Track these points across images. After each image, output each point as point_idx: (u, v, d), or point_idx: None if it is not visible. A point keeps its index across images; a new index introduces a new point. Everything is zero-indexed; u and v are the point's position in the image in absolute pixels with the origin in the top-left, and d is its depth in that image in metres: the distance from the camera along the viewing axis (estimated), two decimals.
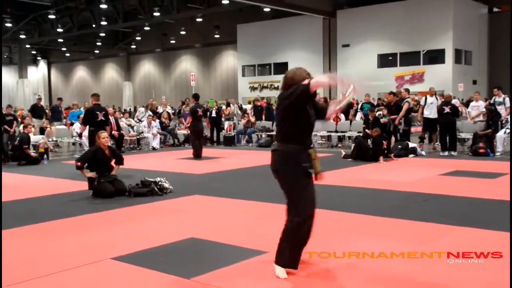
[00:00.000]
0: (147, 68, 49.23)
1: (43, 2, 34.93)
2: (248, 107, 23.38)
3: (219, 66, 43.86)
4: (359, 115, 17.85)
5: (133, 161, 11.76)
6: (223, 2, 30.45)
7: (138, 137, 16.24)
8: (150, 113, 18.38)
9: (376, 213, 6.13)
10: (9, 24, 39.65)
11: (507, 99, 14.08)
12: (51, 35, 42.16)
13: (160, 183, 7.85)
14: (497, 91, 14.29)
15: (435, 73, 29.66)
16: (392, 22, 30.49)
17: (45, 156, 12.93)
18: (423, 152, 12.79)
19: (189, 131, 13.45)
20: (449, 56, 29.59)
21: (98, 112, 10.65)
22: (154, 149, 15.63)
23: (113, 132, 14.21)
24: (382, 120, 13.17)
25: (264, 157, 12.93)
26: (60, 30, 40.04)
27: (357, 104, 20.46)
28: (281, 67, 35.97)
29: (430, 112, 13.63)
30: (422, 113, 14.10)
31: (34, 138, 13.67)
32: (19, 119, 16.79)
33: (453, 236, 5.06)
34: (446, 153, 12.61)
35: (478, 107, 14.67)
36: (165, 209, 6.79)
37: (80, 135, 10.71)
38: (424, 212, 6.20)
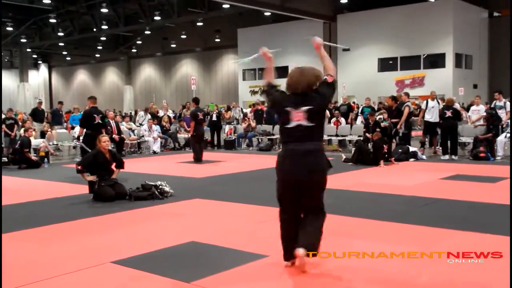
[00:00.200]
0: (147, 72, 49.30)
1: (44, 6, 35.01)
2: (248, 110, 23.41)
3: (219, 70, 43.91)
4: (360, 119, 17.87)
5: (133, 164, 11.77)
6: (223, 6, 30.52)
7: (138, 141, 16.24)
8: (149, 116, 18.39)
9: (376, 217, 6.12)
10: (10, 28, 39.75)
11: (508, 103, 14.09)
12: (52, 39, 42.28)
13: (160, 186, 7.84)
14: (498, 95, 14.30)
15: (435, 77, 29.69)
16: (392, 26, 30.55)
17: (45, 159, 12.93)
18: (424, 156, 12.78)
19: (191, 135, 13.47)
20: (450, 60, 29.63)
21: (95, 115, 10.73)
22: (154, 152, 15.63)
23: (113, 135, 14.25)
24: (382, 124, 13.18)
25: (264, 161, 12.96)
26: (61, 34, 40.15)
27: (358, 108, 20.49)
28: (281, 71, 35.93)
29: (432, 116, 13.63)
30: (423, 117, 14.09)
31: (35, 141, 13.67)
32: (20, 123, 16.81)
33: (454, 240, 5.05)
34: (447, 157, 12.60)
35: (478, 111, 14.68)
36: (166, 212, 6.79)
37: (78, 138, 10.77)
38: (425, 216, 6.19)
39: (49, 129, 15.72)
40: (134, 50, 48.78)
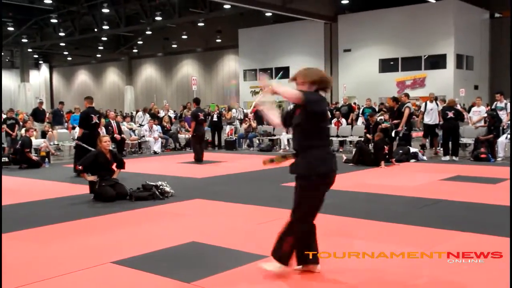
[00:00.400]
0: (148, 72, 49.33)
1: (45, 6, 35.04)
2: (248, 110, 23.41)
3: (220, 70, 43.92)
4: (361, 119, 17.86)
5: (134, 165, 11.77)
6: (224, 6, 30.53)
7: (139, 141, 16.25)
8: (148, 116, 18.40)
9: (376, 218, 6.12)
10: (11, 28, 39.79)
11: (509, 104, 14.08)
12: (53, 39, 42.32)
13: (161, 187, 7.85)
14: (499, 97, 14.30)
15: (436, 78, 29.68)
16: (393, 27, 30.54)
17: (46, 159, 12.95)
18: (425, 157, 12.77)
19: (192, 136, 13.48)
20: (451, 61, 29.62)
21: (92, 115, 10.82)
22: (155, 153, 15.64)
23: (115, 135, 14.27)
24: (383, 125, 13.18)
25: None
26: (62, 34, 40.18)
27: (359, 108, 20.49)
28: (282, 72, 36.03)
29: (431, 118, 13.60)
30: (423, 119, 14.08)
31: (36, 141, 13.68)
32: (21, 123, 16.83)
33: (454, 241, 5.05)
34: (448, 157, 12.59)
35: (479, 112, 14.67)
36: (166, 213, 6.79)
37: (78, 138, 10.88)
38: (425, 217, 6.19)
39: (50, 129, 15.74)
40: (135, 50, 48.80)
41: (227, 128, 18.81)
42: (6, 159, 12.41)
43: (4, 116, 15.12)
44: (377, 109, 20.15)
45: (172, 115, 21.74)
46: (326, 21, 33.40)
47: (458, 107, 18.84)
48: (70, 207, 7.37)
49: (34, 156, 12.66)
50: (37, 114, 18.12)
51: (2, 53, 37.12)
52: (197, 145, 13.20)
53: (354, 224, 5.92)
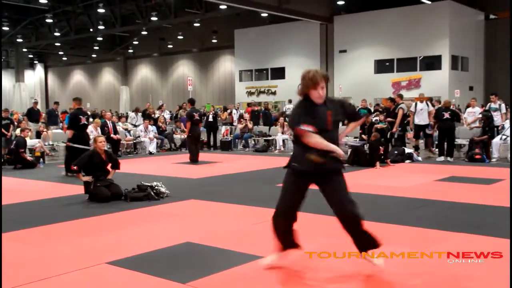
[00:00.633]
0: (144, 72, 49.24)
1: (40, 6, 34.93)
2: (243, 111, 23.42)
3: (216, 70, 43.90)
4: None
5: (129, 165, 11.75)
6: (220, 7, 30.51)
7: (134, 141, 16.23)
8: (140, 116, 18.39)
9: (372, 218, 6.10)
10: (6, 27, 39.64)
11: (503, 105, 14.17)
12: (48, 39, 42.18)
13: (156, 187, 7.84)
14: (494, 98, 14.38)
15: (431, 79, 29.76)
16: (389, 28, 30.60)
17: (41, 160, 12.91)
18: (419, 158, 12.82)
19: (187, 136, 13.48)
20: (446, 62, 29.70)
21: (81, 116, 10.91)
22: (150, 153, 15.62)
23: (111, 135, 14.26)
24: (379, 126, 13.21)
25: (260, 162, 12.97)
26: (57, 34, 40.05)
27: None
28: (278, 72, 36.06)
29: (420, 119, 13.54)
30: (414, 119, 13.95)
31: (31, 142, 13.64)
32: (16, 123, 16.76)
33: (450, 242, 5.06)
34: (443, 158, 12.63)
35: (474, 113, 14.74)
36: (161, 213, 6.78)
37: (69, 140, 10.97)
38: (421, 218, 6.21)
39: (45, 129, 15.69)
40: (130, 51, 48.70)
41: (223, 129, 18.81)
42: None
43: None
44: (372, 110, 20.19)
45: (168, 116, 21.72)
46: (322, 22, 33.44)
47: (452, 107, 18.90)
48: (65, 207, 7.35)
49: (28, 157, 12.62)
50: (32, 114, 18.08)
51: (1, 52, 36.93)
52: (193, 146, 13.19)
53: None
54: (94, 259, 4.61)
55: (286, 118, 19.55)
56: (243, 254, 4.68)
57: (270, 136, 17.00)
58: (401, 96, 14.21)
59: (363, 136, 13.56)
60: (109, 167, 8.06)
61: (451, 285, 3.87)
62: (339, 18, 33.00)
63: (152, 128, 16.42)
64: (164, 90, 46.96)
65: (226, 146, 16.83)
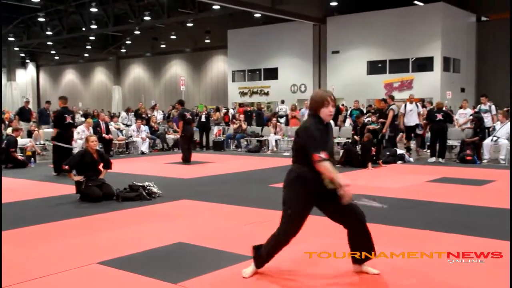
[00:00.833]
0: (136, 72, 49.10)
1: (32, 4, 34.73)
2: (235, 111, 23.43)
3: (209, 71, 43.85)
4: (348, 121, 17.94)
5: (121, 165, 11.72)
6: (213, 7, 30.49)
7: (127, 141, 16.18)
8: (132, 116, 18.34)
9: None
10: None
11: (493, 107, 14.29)
12: (40, 38, 41.97)
13: (148, 187, 7.82)
14: (484, 99, 14.48)
15: (423, 80, 29.89)
16: (381, 29, 30.70)
17: (32, 159, 12.84)
18: (411, 159, 12.87)
19: (180, 136, 13.47)
20: (438, 64, 29.84)
21: (66, 115, 10.98)
22: (143, 153, 15.58)
23: (103, 135, 14.23)
24: (371, 127, 13.25)
25: (252, 163, 12.97)
26: (49, 33, 39.85)
27: (346, 110, 20.58)
28: (271, 73, 36.07)
29: (409, 120, 13.52)
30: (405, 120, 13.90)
31: (22, 141, 13.57)
32: (7, 122, 16.67)
33: (441, 243, 5.09)
34: (434, 159, 12.70)
35: (465, 114, 14.84)
36: (153, 213, 6.77)
37: (53, 138, 11.04)
38: (412, 219, 6.24)
39: (36, 129, 15.61)
40: (123, 50, 48.53)
41: (215, 129, 18.79)
42: None
43: None
44: (365, 111, 20.28)
45: (161, 116, 21.67)
46: (315, 23, 33.49)
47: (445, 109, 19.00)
48: (56, 207, 7.32)
49: (19, 156, 12.55)
50: (23, 113, 17.97)
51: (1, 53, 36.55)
52: (185, 146, 13.18)
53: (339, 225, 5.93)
54: (85, 259, 4.59)
55: (279, 119, 19.61)
56: (235, 254, 4.68)
57: (262, 136, 17.01)
58: (392, 98, 14.24)
59: (355, 137, 13.59)
60: (101, 166, 8.03)
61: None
62: (332, 19, 33.07)
63: (145, 128, 16.38)
64: (156, 90, 46.85)
65: (219, 147, 16.82)
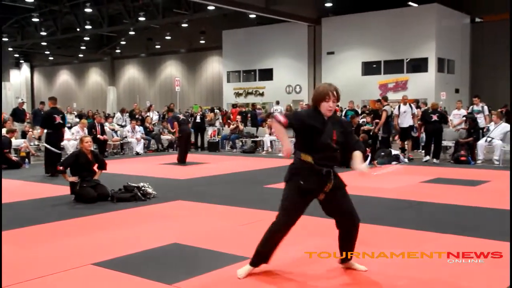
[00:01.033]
0: (131, 72, 49.01)
1: (26, 5, 34.61)
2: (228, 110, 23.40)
3: (204, 71, 43.83)
4: None
5: (116, 166, 11.69)
6: (208, 8, 30.48)
7: (121, 141, 16.14)
8: (126, 117, 18.28)
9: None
10: None
11: (486, 108, 14.37)
12: (35, 38, 41.82)
13: (143, 188, 7.80)
14: (476, 100, 14.56)
15: (418, 81, 29.99)
16: (376, 30, 30.78)
17: (26, 160, 12.79)
18: (406, 160, 12.90)
19: (178, 137, 13.50)
20: (432, 65, 29.94)
21: (55, 116, 10.95)
22: (137, 154, 15.55)
23: (98, 136, 14.19)
24: (366, 127, 13.28)
25: (247, 163, 12.97)
26: (43, 33, 39.73)
27: (341, 111, 20.60)
28: (266, 74, 36.09)
29: (403, 121, 13.51)
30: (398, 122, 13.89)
31: (16, 142, 13.51)
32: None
33: (436, 243, 5.10)
34: (428, 158, 12.75)
35: (460, 115, 14.90)
36: (148, 214, 6.75)
37: (39, 138, 11.04)
38: (407, 219, 6.25)
39: (30, 130, 15.55)
40: (118, 51, 48.43)
41: (210, 130, 18.78)
42: None
43: None
44: (359, 112, 20.31)
45: (156, 117, 21.62)
46: (310, 24, 33.53)
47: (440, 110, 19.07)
48: (50, 208, 7.29)
49: (14, 157, 12.50)
50: (17, 114, 17.89)
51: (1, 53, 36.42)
52: (182, 146, 13.20)
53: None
54: (80, 260, 4.57)
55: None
56: (231, 255, 4.68)
57: (257, 137, 17.01)
58: (385, 98, 14.26)
59: None
60: (95, 167, 8.01)
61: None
62: (326, 20, 33.11)
63: (139, 129, 16.35)
64: (151, 91, 46.78)
65: (214, 147, 16.81)
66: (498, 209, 6.81)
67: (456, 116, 15.08)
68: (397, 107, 13.83)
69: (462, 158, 12.38)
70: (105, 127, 15.57)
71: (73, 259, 4.63)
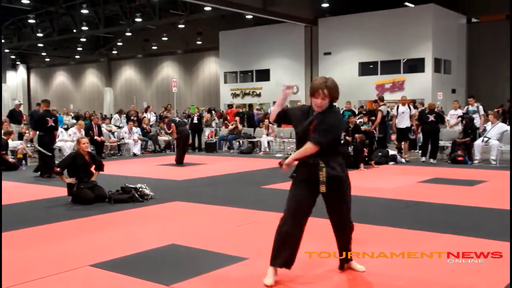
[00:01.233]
0: (128, 73, 48.94)
1: (22, 6, 34.53)
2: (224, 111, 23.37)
3: (201, 72, 43.80)
4: None
5: (113, 167, 11.67)
6: (205, 8, 30.46)
7: (119, 143, 16.12)
8: (124, 118, 18.25)
9: (356, 220, 6.11)
10: None
11: (481, 108, 14.41)
12: (31, 39, 41.70)
13: (140, 189, 7.79)
14: (471, 100, 14.61)
15: (415, 81, 30.02)
16: (373, 31, 30.81)
17: (23, 161, 12.76)
18: (403, 160, 12.92)
19: (176, 138, 13.48)
20: (429, 65, 29.97)
21: (48, 118, 10.96)
22: (135, 155, 15.53)
23: (95, 137, 14.17)
24: (363, 128, 13.29)
25: (245, 164, 12.97)
26: (40, 34, 39.63)
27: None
28: (263, 74, 36.07)
29: (400, 121, 13.49)
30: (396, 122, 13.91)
31: (13, 143, 13.47)
32: None
33: (435, 243, 5.10)
34: (424, 158, 12.79)
35: (457, 115, 14.94)
36: (146, 215, 6.74)
37: (31, 140, 11.07)
38: (405, 219, 6.26)
39: (27, 131, 15.51)
40: (114, 52, 48.33)
41: (207, 131, 18.77)
42: None
43: None
44: (356, 112, 20.32)
45: (154, 118, 21.59)
46: (307, 24, 33.54)
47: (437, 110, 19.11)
48: (48, 209, 7.28)
49: (10, 158, 12.47)
50: (14, 116, 17.86)
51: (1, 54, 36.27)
52: (180, 147, 13.19)
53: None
54: (77, 262, 4.56)
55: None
56: (228, 256, 4.67)
57: (255, 137, 17.01)
58: (382, 99, 14.29)
59: (347, 138, 13.62)
60: (92, 169, 8.00)
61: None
62: (323, 21, 33.13)
63: (137, 130, 16.33)
64: (148, 92, 46.73)
65: (211, 148, 16.80)
66: (496, 208, 6.83)
67: (453, 116, 15.13)
68: (395, 107, 13.86)
69: (459, 158, 12.41)
70: (102, 128, 15.55)
71: (70, 260, 4.63)
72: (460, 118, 14.33)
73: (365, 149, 11.76)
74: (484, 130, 13.23)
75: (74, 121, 20.58)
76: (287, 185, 4.12)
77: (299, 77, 34.41)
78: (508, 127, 13.19)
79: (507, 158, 12.45)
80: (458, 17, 31.98)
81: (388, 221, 6.07)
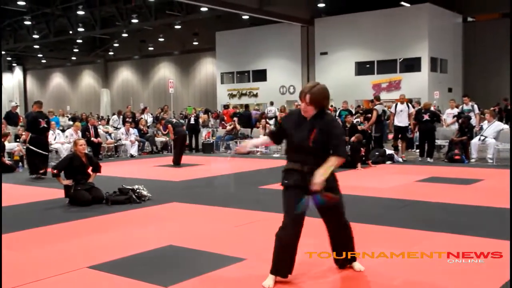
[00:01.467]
0: (125, 75, 48.89)
1: (18, 8, 34.45)
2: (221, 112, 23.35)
3: (197, 73, 43.79)
4: None
5: (110, 168, 11.65)
6: (201, 9, 30.46)
7: (115, 144, 16.09)
8: (120, 118, 18.23)
9: (353, 219, 6.12)
10: None
11: (476, 106, 14.45)
12: (27, 41, 41.63)
13: (138, 190, 7.78)
14: (466, 99, 14.65)
15: (411, 81, 30.08)
16: (369, 30, 30.86)
17: (20, 163, 12.73)
18: (400, 159, 12.93)
19: (173, 138, 13.48)
20: (425, 64, 30.04)
21: (40, 120, 11.01)
22: (132, 156, 15.51)
23: (92, 138, 14.15)
24: (359, 127, 13.31)
25: (242, 164, 12.95)
26: (36, 36, 39.57)
27: (335, 111, 20.67)
28: (259, 74, 36.09)
29: (400, 120, 13.52)
30: (394, 120, 13.93)
31: (9, 145, 13.44)
32: None
33: (432, 242, 5.11)
34: (421, 158, 12.82)
35: (453, 114, 14.97)
36: (143, 216, 6.74)
37: (25, 142, 11.07)
38: (402, 218, 6.26)
39: (24, 133, 15.47)
40: (111, 53, 48.29)
41: (204, 131, 18.75)
42: None
43: None
44: (353, 112, 20.36)
45: (151, 119, 21.58)
46: (303, 24, 33.58)
47: (432, 109, 19.13)
48: (45, 211, 7.26)
49: (7, 160, 12.43)
50: (10, 118, 17.80)
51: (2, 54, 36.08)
52: (177, 148, 13.19)
53: None
54: (75, 264, 4.56)
55: (268, 120, 19.60)
56: (226, 257, 4.67)
57: (252, 138, 16.99)
58: (378, 98, 14.30)
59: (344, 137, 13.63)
60: (89, 170, 7.98)
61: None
62: (319, 21, 33.17)
63: (134, 131, 16.30)
64: (145, 93, 46.69)
65: (208, 149, 16.79)
66: (493, 207, 6.85)
67: (450, 115, 15.16)
68: (394, 105, 13.89)
69: (456, 157, 12.43)
70: (99, 130, 15.52)
71: (68, 262, 4.62)
72: (454, 118, 14.36)
73: (362, 148, 11.77)
74: (481, 129, 13.26)
75: (71, 122, 20.53)
76: None
77: (295, 77, 34.45)
78: (504, 126, 13.22)
79: (503, 156, 12.49)
80: (454, 16, 32.05)
81: (386, 221, 6.08)
